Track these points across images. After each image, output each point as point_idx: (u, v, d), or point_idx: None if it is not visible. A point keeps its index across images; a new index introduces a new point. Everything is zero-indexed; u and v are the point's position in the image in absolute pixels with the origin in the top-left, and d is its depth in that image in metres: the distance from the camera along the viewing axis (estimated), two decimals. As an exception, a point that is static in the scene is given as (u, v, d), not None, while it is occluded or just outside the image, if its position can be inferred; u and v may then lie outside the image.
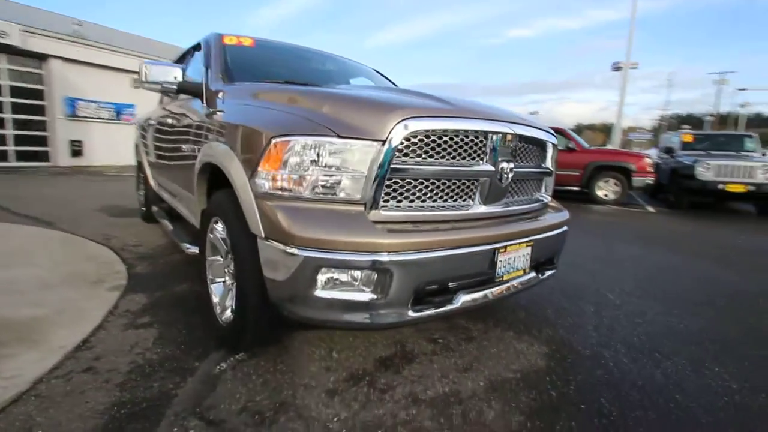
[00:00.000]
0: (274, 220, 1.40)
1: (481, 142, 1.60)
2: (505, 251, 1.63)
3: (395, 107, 1.43)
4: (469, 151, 1.58)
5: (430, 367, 1.82)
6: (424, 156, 1.48)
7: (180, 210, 2.87)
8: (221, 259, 2.03)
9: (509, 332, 2.19)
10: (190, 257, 3.27)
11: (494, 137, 1.63)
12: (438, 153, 1.51)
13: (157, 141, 3.25)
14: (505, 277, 1.68)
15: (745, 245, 4.79)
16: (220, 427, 1.39)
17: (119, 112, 14.63)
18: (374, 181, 1.39)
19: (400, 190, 1.47)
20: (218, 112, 1.94)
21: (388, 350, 1.95)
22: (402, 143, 1.40)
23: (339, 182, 1.40)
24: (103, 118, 14.04)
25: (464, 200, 1.63)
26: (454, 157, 1.55)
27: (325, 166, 1.39)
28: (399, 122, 1.39)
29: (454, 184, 1.59)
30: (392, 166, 1.40)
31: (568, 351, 2.02)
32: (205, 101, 2.08)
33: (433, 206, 1.55)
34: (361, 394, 1.61)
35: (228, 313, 1.90)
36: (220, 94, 2.07)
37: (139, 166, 4.78)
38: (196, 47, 3.00)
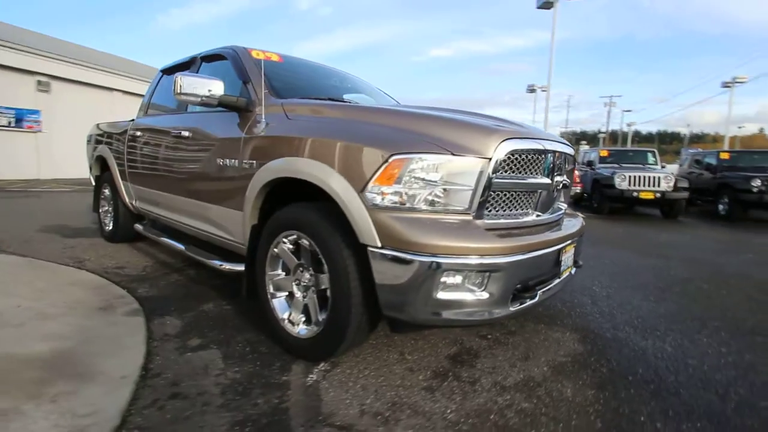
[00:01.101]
0: (396, 230, 1.51)
1: (543, 158, 1.88)
2: (565, 251, 1.92)
3: (496, 130, 1.64)
4: (536, 166, 1.85)
5: (496, 360, 2.02)
6: (510, 171, 1.70)
7: (193, 227, 2.74)
8: (282, 273, 2.05)
9: (540, 325, 2.48)
10: (194, 276, 3.12)
11: (551, 155, 1.91)
12: (519, 169, 1.75)
13: (157, 156, 3.05)
14: (562, 273, 1.97)
15: (668, 241, 5.77)
16: (352, 429, 1.44)
17: (20, 118, 12.75)
18: (480, 193, 1.58)
19: (493, 201, 1.68)
20: (287, 128, 1.97)
21: (451, 348, 2.12)
22: (500, 160, 1.61)
23: (450, 195, 1.56)
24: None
25: (526, 209, 1.89)
26: (527, 172, 1.80)
27: (439, 181, 1.55)
28: (501, 142, 1.60)
29: (525, 195, 1.83)
30: (493, 180, 1.60)
31: (594, 336, 2.36)
32: (263, 116, 2.08)
33: (510, 215, 1.78)
34: (455, 387, 1.75)
35: (302, 325, 1.93)
36: (279, 110, 2.10)
37: (99, 183, 4.35)
38: (208, 58, 2.91)
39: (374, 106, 1.93)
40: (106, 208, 4.31)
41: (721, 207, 8.60)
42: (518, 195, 1.79)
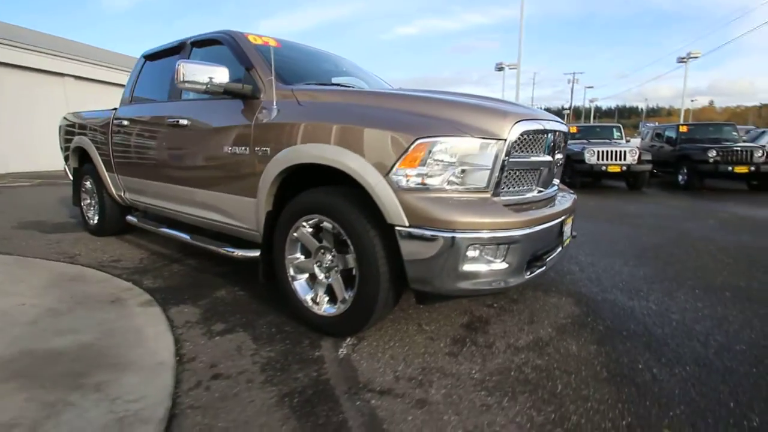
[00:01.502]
0: (423, 209, 1.61)
1: (545, 138, 2.01)
2: (566, 223, 2.09)
3: (509, 112, 1.75)
4: (540, 145, 1.98)
5: (505, 325, 2.20)
6: (521, 151, 1.83)
7: (196, 216, 2.73)
8: (301, 256, 2.12)
9: (537, 292, 2.68)
10: (195, 265, 3.12)
11: (551, 134, 2.05)
12: (527, 148, 1.88)
13: (150, 146, 2.98)
14: (564, 243, 2.14)
15: (636, 211, 6.18)
16: (392, 393, 1.57)
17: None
18: (497, 172, 1.70)
19: (506, 180, 1.80)
20: (301, 115, 2.00)
21: (463, 317, 2.27)
22: (513, 141, 1.73)
23: (470, 175, 1.67)
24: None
25: (531, 186, 2.03)
26: (533, 151, 1.93)
27: (460, 162, 1.65)
28: (514, 124, 1.72)
29: (531, 172, 1.97)
30: (507, 159, 1.72)
31: (586, 299, 2.59)
32: (274, 103, 2.10)
33: (520, 191, 1.92)
34: (474, 351, 1.91)
35: (327, 305, 2.02)
36: (289, 96, 2.12)
37: (78, 176, 4.19)
38: (199, 43, 2.85)
39: (387, 92, 1.99)
40: (89, 201, 4.16)
41: (680, 177, 9.20)
42: (526, 173, 1.93)
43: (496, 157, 1.68)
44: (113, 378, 1.65)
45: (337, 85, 2.56)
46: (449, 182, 1.66)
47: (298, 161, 1.94)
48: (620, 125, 10.60)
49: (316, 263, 2.06)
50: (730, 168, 8.16)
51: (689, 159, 8.87)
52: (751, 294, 2.69)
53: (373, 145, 1.71)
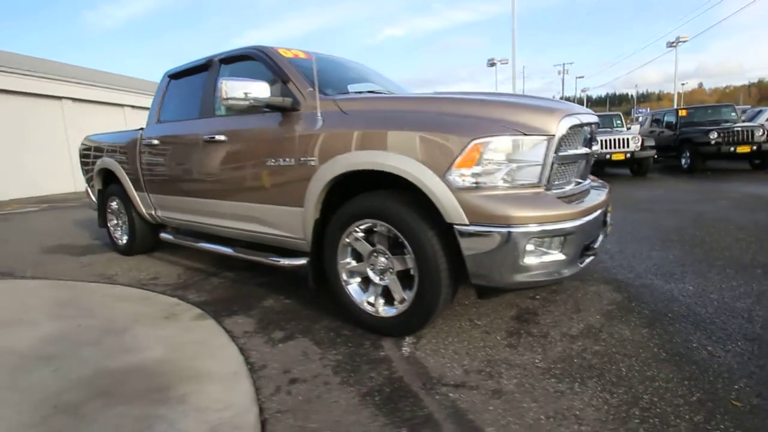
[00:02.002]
0: (482, 207, 1.68)
1: (583, 131, 2.09)
2: (608, 212, 2.16)
3: (555, 109, 1.83)
4: (579, 138, 2.06)
5: (553, 315, 2.27)
6: (566, 145, 1.90)
7: (238, 229, 2.79)
8: (353, 261, 2.18)
9: (576, 282, 2.75)
10: (234, 278, 3.18)
11: (587, 127, 2.13)
12: (571, 142, 1.95)
13: (185, 163, 3.04)
14: (607, 231, 2.22)
15: (647, 197, 6.27)
16: (466, 385, 1.64)
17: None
18: (549, 167, 1.77)
19: (554, 174, 1.88)
20: (347, 123, 2.07)
21: (511, 310, 2.34)
22: (561, 136, 1.81)
23: (525, 171, 1.74)
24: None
25: (572, 178, 2.11)
26: (575, 145, 2.01)
27: (514, 159, 1.72)
28: (561, 120, 1.79)
29: (573, 165, 2.05)
30: (556, 154, 1.79)
31: (625, 285, 2.66)
32: (318, 113, 2.16)
33: (565, 184, 1.99)
34: (531, 341, 1.98)
35: (384, 306, 2.09)
36: (332, 106, 2.19)
37: (103, 197, 4.24)
38: (228, 60, 2.91)
39: (431, 96, 2.06)
40: (115, 221, 4.22)
41: (683, 161, 9.32)
42: (569, 166, 2.00)
43: (547, 152, 1.76)
44: (194, 389, 1.71)
45: (371, 92, 2.63)
46: (504, 179, 1.73)
47: (350, 168, 2.00)
48: (620, 113, 10.73)
49: (370, 266, 2.12)
50: (732, 148, 8.27)
51: (691, 142, 8.98)
52: (781, 270, 2.77)
53: (428, 149, 1.78)
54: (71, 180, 14.61)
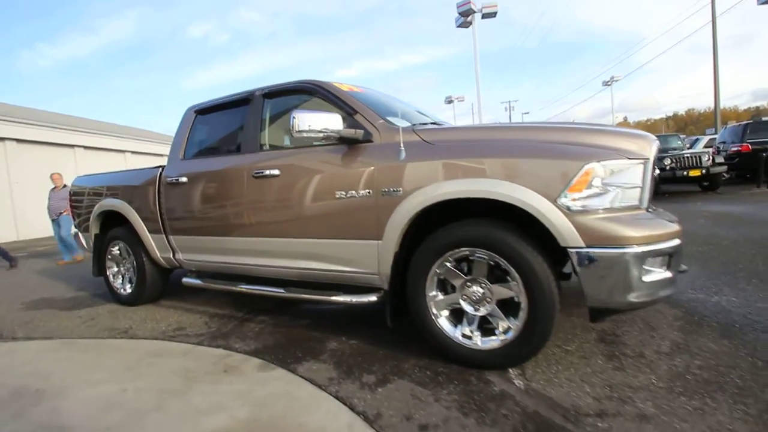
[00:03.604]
0: (597, 229, 1.71)
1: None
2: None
3: (645, 135, 1.94)
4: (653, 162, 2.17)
5: (633, 334, 2.30)
6: (652, 169, 2.00)
7: (290, 267, 2.63)
8: (440, 293, 2.12)
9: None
10: (272, 321, 2.96)
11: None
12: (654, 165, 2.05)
13: (227, 201, 2.85)
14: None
15: (721, 211, 6.54)
16: (608, 413, 1.59)
17: None
18: (647, 189, 1.85)
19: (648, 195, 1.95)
20: (435, 153, 2.06)
21: (591, 333, 2.35)
22: (652, 160, 1.91)
23: (629, 193, 1.80)
24: None
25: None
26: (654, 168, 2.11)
27: (620, 183, 1.78)
28: (652, 144, 1.90)
29: (651, 187, 2.14)
30: (649, 177, 1.89)
31: (676, 301, 2.76)
32: (401, 144, 2.14)
33: (650, 205, 2.06)
34: (634, 362, 1.98)
35: (481, 338, 2.02)
36: (413, 137, 2.18)
37: (100, 243, 3.85)
38: (274, 94, 2.83)
39: (521, 126, 2.11)
40: (116, 269, 3.82)
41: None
42: (651, 188, 2.10)
43: (644, 175, 1.84)
44: (314, 449, 1.53)
45: (434, 123, 2.65)
46: (611, 202, 1.78)
47: (446, 198, 1.97)
48: (680, 134, 11.68)
49: (462, 297, 2.06)
50: (685, 172, 9.17)
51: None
52: (799, 277, 3.03)
53: (537, 175, 1.81)
54: (13, 228, 13.26)
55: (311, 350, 2.43)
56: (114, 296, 3.82)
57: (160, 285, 3.67)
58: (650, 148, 1.89)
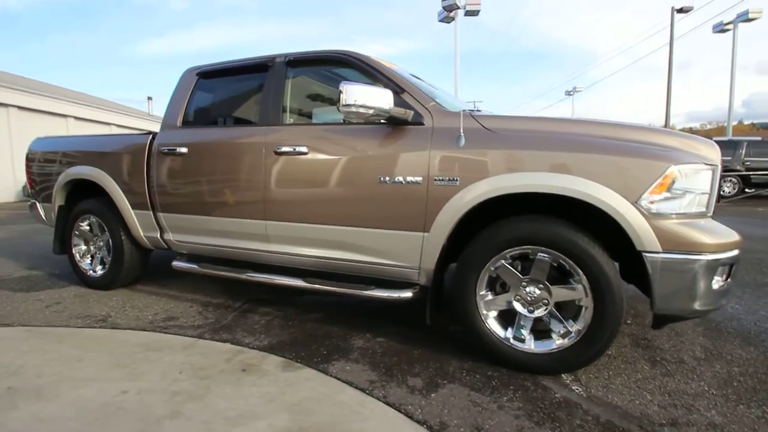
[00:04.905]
0: (676, 234, 1.65)
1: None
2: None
3: (712, 141, 1.90)
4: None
5: (663, 340, 2.31)
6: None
7: (311, 256, 2.38)
8: (489, 292, 1.99)
9: (645, 305, 2.88)
10: (277, 313, 2.72)
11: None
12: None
13: (240, 178, 2.52)
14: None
15: None
16: (679, 422, 1.55)
17: None
18: (713, 196, 1.82)
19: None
20: (502, 143, 1.91)
21: (625, 338, 2.33)
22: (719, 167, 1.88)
23: (700, 199, 1.76)
24: None
25: None
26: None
27: (694, 188, 1.73)
28: (719, 151, 1.87)
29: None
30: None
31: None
32: (461, 129, 1.96)
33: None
34: (677, 368, 1.97)
35: (534, 341, 1.92)
36: (472, 123, 2.01)
37: (64, 216, 3.34)
38: (302, 63, 2.52)
39: (591, 121, 1.98)
40: (84, 247, 3.33)
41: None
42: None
43: (713, 181, 1.81)
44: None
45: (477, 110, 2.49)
46: (685, 207, 1.74)
47: (509, 191, 1.83)
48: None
49: (516, 297, 1.95)
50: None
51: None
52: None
53: (616, 173, 1.71)
54: (13, 190, 13.68)
55: (337, 348, 2.21)
56: (81, 278, 3.32)
57: (138, 268, 3.25)
58: (718, 154, 1.87)
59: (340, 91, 1.92)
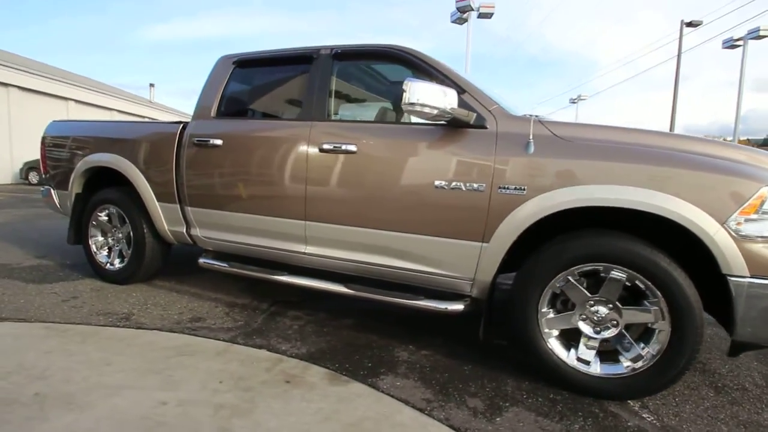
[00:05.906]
0: (766, 258, 1.56)
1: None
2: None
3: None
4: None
5: (716, 363, 2.22)
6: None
7: (357, 261, 2.25)
8: (550, 310, 1.89)
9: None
10: (309, 318, 2.61)
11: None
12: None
13: (277, 175, 2.37)
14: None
15: None
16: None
17: None
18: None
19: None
20: (576, 153, 1.79)
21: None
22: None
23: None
24: None
25: None
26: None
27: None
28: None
29: None
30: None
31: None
32: (531, 135, 1.84)
33: None
34: (743, 396, 1.88)
35: (600, 364, 1.81)
36: (541, 129, 1.89)
37: (82, 205, 3.19)
38: (348, 56, 2.39)
39: (656, 131, 1.88)
40: (102, 239, 3.17)
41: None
42: None
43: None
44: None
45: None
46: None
47: (584, 204, 1.72)
48: None
49: (581, 317, 1.84)
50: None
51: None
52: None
53: (705, 191, 1.61)
54: (9, 172, 13.60)
55: (381, 360, 2.09)
56: (96, 270, 3.17)
57: (158, 263, 3.10)
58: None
59: (404, 90, 1.79)
